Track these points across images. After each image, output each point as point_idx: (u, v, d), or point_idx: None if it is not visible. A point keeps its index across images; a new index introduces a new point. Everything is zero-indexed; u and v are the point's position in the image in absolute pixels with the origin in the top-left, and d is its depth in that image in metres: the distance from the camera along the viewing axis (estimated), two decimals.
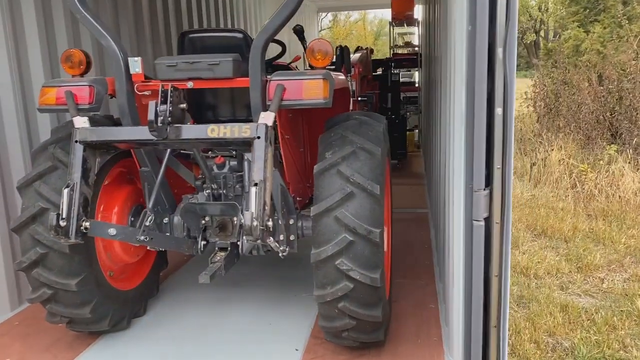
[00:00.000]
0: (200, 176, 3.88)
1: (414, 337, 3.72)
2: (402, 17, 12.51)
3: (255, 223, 2.74)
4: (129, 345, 3.82)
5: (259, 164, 2.87)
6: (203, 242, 3.74)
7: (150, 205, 3.51)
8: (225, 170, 3.76)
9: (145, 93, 3.31)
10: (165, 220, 3.79)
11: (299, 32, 4.52)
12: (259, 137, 2.92)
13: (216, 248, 3.75)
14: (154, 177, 3.61)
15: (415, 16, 13.18)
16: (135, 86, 3.31)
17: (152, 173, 3.62)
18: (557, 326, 4.44)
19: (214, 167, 3.77)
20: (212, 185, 3.68)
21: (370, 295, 3.11)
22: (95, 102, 3.25)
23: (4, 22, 4.22)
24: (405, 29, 14.59)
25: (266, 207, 2.84)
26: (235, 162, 3.77)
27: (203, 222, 3.69)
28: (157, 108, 2.88)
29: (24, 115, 4.48)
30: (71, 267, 3.39)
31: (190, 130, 3.01)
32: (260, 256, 3.78)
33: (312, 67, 3.28)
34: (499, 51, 2.38)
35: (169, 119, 2.96)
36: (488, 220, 2.59)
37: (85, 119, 3.15)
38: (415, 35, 15.31)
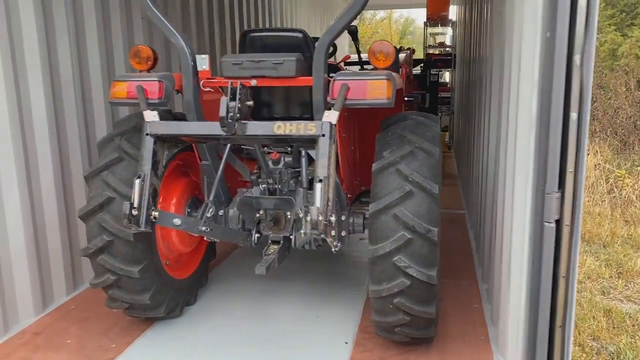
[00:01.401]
0: (255, 171, 3.99)
1: (461, 335, 3.78)
2: (436, 18, 12.52)
3: (320, 218, 2.83)
4: (181, 332, 3.95)
5: (324, 161, 2.96)
6: (257, 235, 3.85)
7: (210, 197, 3.63)
8: (280, 166, 3.86)
9: (210, 89, 3.43)
10: (221, 212, 3.91)
11: (353, 32, 4.60)
12: (323, 135, 3.01)
13: (269, 241, 3.86)
14: (214, 170, 3.74)
15: (450, 17, 13.17)
16: (201, 83, 3.43)
17: (212, 167, 3.75)
18: (601, 330, 4.46)
19: (270, 163, 3.87)
20: (268, 180, 3.78)
21: (426, 292, 3.19)
22: (164, 97, 3.37)
23: (68, 22, 4.39)
24: (439, 29, 14.56)
25: (329, 203, 2.94)
26: (290, 159, 3.87)
27: (257, 215, 3.80)
28: (228, 104, 2.99)
29: (82, 110, 4.65)
30: (134, 255, 3.53)
31: (258, 127, 3.12)
32: (302, 251, 3.85)
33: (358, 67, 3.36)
34: (577, 58, 2.43)
35: (237, 115, 3.07)
36: (558, 223, 2.65)
37: (155, 112, 3.28)
38: (447, 35, 15.28)
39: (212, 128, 3.13)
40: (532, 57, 2.62)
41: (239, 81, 3.17)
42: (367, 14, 44.11)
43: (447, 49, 13.85)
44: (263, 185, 3.83)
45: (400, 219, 3.09)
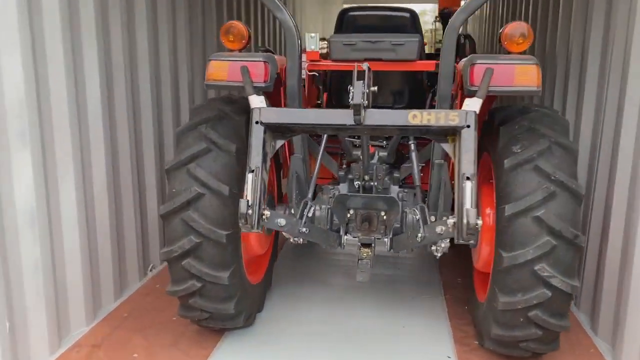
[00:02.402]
0: (344, 166, 3.63)
1: (569, 349, 3.49)
2: (454, 8, 12.18)
3: (479, 222, 2.49)
4: (257, 343, 3.56)
5: (469, 156, 2.61)
6: (346, 237, 3.47)
7: (309, 194, 3.24)
8: (375, 161, 3.50)
9: (314, 74, 3.04)
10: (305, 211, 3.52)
11: (446, 15, 4.24)
12: (468, 126, 2.65)
13: (359, 244, 3.50)
14: (304, 164, 3.35)
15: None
16: (305, 65, 3.04)
17: (303, 160, 3.36)
18: None
19: (361, 157, 3.51)
20: (365, 176, 3.42)
21: (564, 304, 2.88)
22: (269, 80, 2.97)
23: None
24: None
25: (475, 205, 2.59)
26: (385, 153, 3.51)
27: (348, 215, 3.44)
28: (364, 90, 2.60)
29: (131, 102, 4.20)
30: (224, 259, 3.12)
31: (389, 116, 2.74)
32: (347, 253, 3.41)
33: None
34: None
35: (365, 102, 2.69)
36: None
37: (262, 98, 2.87)
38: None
39: (336, 117, 2.74)
40: None
41: (366, 64, 2.79)
42: None
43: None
44: (357, 182, 3.46)
45: (545, 223, 2.76)
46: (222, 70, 3.00)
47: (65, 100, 3.35)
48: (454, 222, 2.62)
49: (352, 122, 2.67)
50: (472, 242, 2.60)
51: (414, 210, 3.31)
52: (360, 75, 2.73)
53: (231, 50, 3.17)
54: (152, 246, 4.70)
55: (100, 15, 3.69)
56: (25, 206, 3.11)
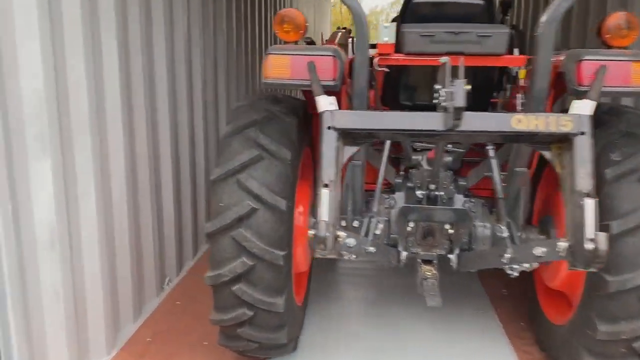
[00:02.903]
0: (401, 173, 3.24)
1: None
2: None
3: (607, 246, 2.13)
4: None
5: (586, 169, 2.25)
6: (405, 253, 3.09)
7: (374, 208, 2.85)
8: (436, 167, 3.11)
9: (384, 69, 2.64)
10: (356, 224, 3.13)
11: (506, 4, 3.86)
12: (582, 133, 2.29)
13: (419, 260, 3.13)
14: (362, 172, 2.97)
15: None
16: (375, 60, 2.64)
17: (362, 168, 2.97)
18: None
19: (422, 163, 3.13)
20: (430, 185, 3.03)
21: None
22: (338, 77, 2.55)
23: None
24: None
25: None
26: (450, 158, 3.13)
27: (408, 229, 3.06)
28: (465, 90, 2.21)
29: (150, 103, 3.75)
30: (279, 282, 2.71)
31: (490, 121, 2.35)
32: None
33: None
34: None
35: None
36: None
37: (332, 99, 2.45)
38: None
39: (425, 121, 2.34)
40: None
41: (446, 58, 2.40)
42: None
43: None
44: (420, 192, 3.08)
45: None
46: (283, 66, 2.57)
47: (85, 97, 2.88)
48: (568, 246, 2.26)
49: (445, 127, 2.28)
50: (594, 269, 2.24)
51: (488, 225, 2.95)
52: (448, 72, 2.34)
53: (285, 42, 2.75)
54: (168, 258, 4.25)
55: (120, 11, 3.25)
56: (44, 224, 2.66)
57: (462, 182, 3.15)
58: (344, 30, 6.76)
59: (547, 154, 2.43)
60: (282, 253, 2.63)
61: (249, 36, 6.61)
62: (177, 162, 4.30)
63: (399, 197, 3.20)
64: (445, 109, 2.25)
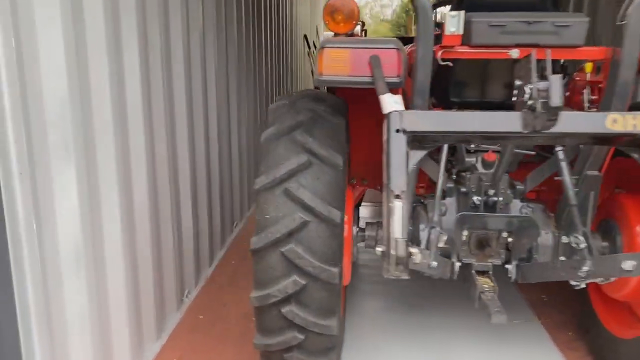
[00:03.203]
0: (453, 177, 2.99)
1: None
2: None
3: None
4: None
5: None
6: (458, 264, 2.85)
7: (435, 217, 2.59)
8: (493, 170, 2.87)
9: (447, 62, 2.39)
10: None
11: None
12: None
13: (473, 272, 2.88)
14: (416, 177, 2.72)
15: None
16: (439, 53, 2.38)
17: (416, 173, 2.72)
18: None
19: (478, 165, 2.88)
20: (488, 190, 2.79)
21: None
22: (402, 73, 2.29)
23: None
24: None
25: None
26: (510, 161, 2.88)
27: (463, 237, 2.81)
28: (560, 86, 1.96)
29: (169, 104, 3.46)
30: (332, 302, 2.45)
31: (583, 121, 2.09)
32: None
33: None
34: None
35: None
36: None
37: (398, 97, 2.19)
38: None
39: (508, 122, 2.08)
40: None
41: (516, 51, 2.14)
42: None
43: None
44: (476, 197, 2.83)
45: None
46: (342, 61, 2.30)
47: (108, 99, 2.59)
48: None
49: (532, 129, 2.03)
50: None
51: (552, 233, 2.72)
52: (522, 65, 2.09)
53: (336, 34, 2.48)
54: (186, 268, 3.96)
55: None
56: (70, 243, 2.37)
57: (519, 187, 2.91)
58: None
59: (637, 157, 2.19)
60: (337, 270, 2.37)
61: (257, 38, 6.30)
62: (194, 166, 4.01)
63: (451, 204, 2.95)
64: (532, 108, 2.00)
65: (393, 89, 2.24)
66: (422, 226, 2.77)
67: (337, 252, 2.41)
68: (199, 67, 4.02)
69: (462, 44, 2.44)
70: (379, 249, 2.11)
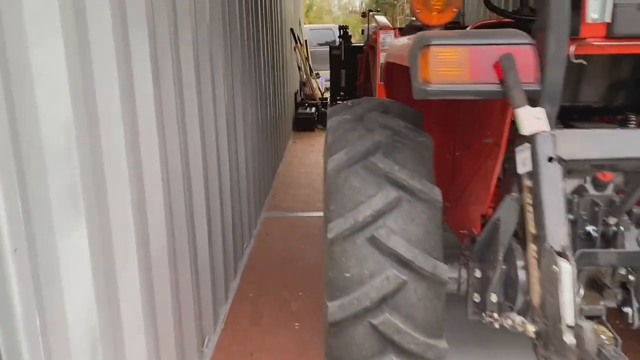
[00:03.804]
0: None
1: None
2: None
3: None
4: None
5: None
6: None
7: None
8: (609, 192, 2.32)
9: (580, 61, 1.83)
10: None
11: None
12: None
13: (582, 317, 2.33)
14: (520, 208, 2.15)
15: None
16: (572, 49, 1.80)
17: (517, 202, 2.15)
18: None
19: (587, 186, 2.33)
20: (610, 219, 2.24)
21: None
22: (540, 79, 1.71)
23: None
24: None
25: None
26: (622, 181, 2.34)
27: None
28: None
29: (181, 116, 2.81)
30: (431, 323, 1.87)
31: None
32: None
33: None
34: None
35: None
36: None
37: (539, 111, 1.61)
38: None
39: None
40: None
41: None
42: None
43: None
44: (591, 228, 2.28)
45: None
46: (458, 63, 1.70)
47: (120, 128, 1.94)
48: None
49: None
50: None
51: None
52: None
53: (428, 27, 1.89)
54: (204, 311, 3.33)
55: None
56: (84, 327, 1.72)
57: (637, 211, 2.36)
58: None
59: None
60: (444, 345, 1.79)
61: (255, 36, 5.68)
62: (207, 193, 3.37)
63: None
64: None
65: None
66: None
67: (442, 319, 1.84)
68: (208, 77, 3.39)
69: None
70: (530, 328, 1.54)
